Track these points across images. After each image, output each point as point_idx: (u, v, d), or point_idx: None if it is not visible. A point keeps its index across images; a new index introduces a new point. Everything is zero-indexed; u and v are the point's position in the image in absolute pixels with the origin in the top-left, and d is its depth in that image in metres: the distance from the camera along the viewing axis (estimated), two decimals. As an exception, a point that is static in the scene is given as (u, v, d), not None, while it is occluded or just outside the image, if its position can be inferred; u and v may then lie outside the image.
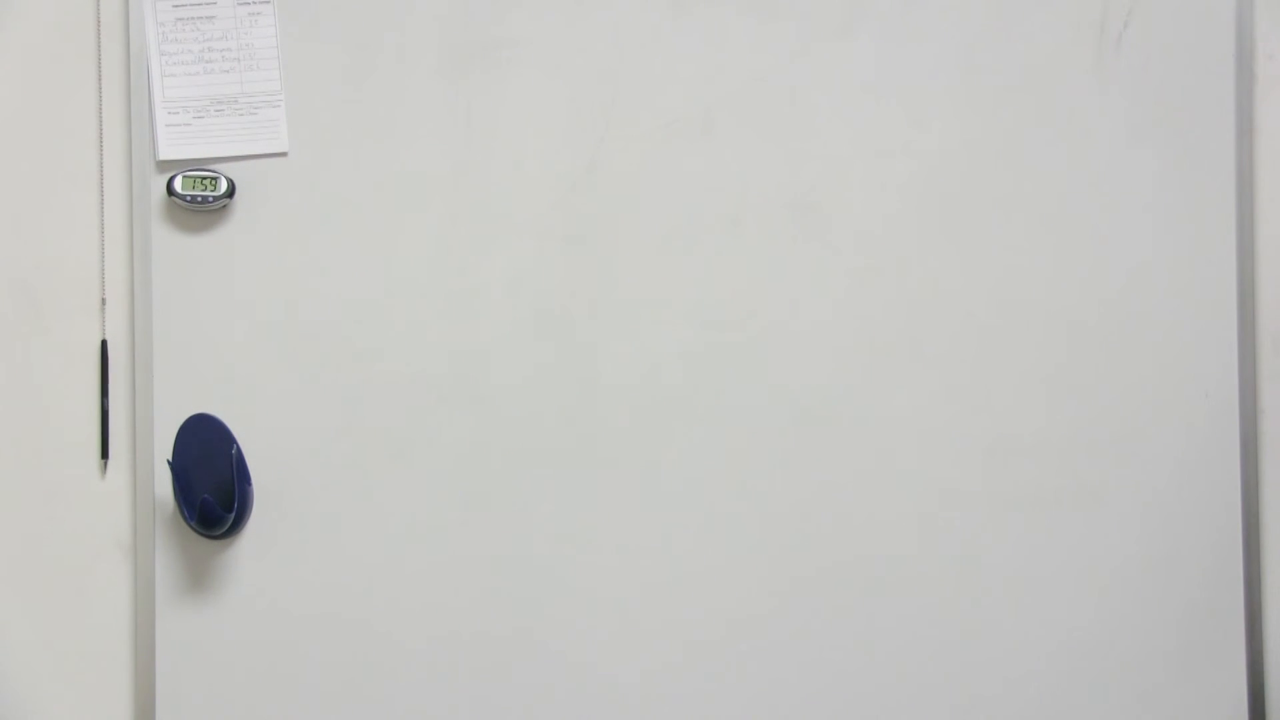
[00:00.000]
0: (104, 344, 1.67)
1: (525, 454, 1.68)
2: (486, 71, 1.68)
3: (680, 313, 1.69)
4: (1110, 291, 1.70)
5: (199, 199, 1.64)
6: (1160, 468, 1.70)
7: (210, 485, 1.62)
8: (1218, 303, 1.70)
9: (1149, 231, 1.71)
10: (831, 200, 1.69)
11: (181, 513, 1.62)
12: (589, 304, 1.68)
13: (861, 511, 1.69)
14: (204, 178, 1.65)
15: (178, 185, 1.64)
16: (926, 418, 1.69)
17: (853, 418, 1.69)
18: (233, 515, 1.61)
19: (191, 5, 1.66)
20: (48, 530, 1.68)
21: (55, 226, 1.68)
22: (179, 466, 1.62)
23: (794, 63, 1.69)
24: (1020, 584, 1.70)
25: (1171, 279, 1.71)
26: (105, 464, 1.68)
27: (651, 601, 1.68)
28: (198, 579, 1.66)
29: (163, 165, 1.66)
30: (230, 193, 1.65)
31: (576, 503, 1.68)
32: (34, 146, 1.68)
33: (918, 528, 1.69)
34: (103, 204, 1.68)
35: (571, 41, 1.68)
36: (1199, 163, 1.70)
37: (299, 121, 1.67)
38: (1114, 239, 1.70)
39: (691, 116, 1.69)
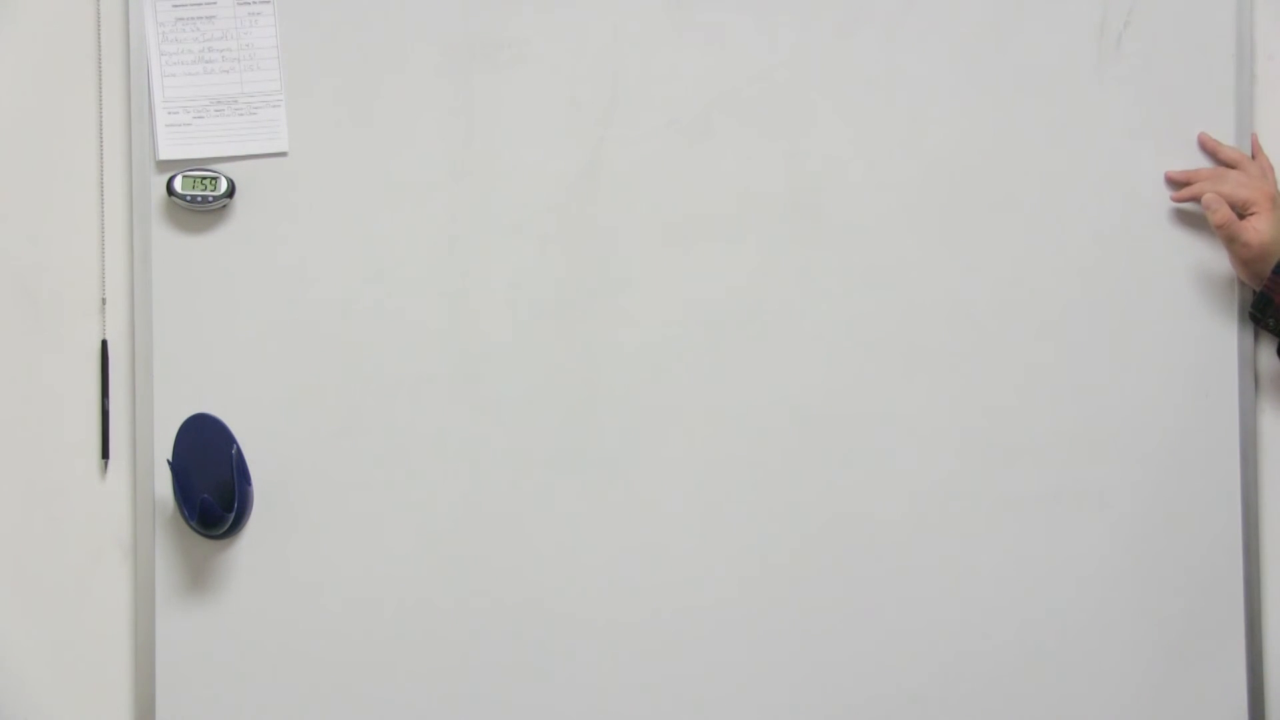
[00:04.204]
0: (104, 344, 1.67)
1: (525, 453, 1.68)
2: (487, 71, 1.68)
3: (680, 312, 1.69)
4: (1110, 291, 1.70)
5: (199, 199, 1.64)
6: (1160, 468, 1.70)
7: (210, 485, 1.62)
8: (1218, 303, 1.70)
9: (1149, 231, 1.70)
10: (832, 200, 1.69)
11: (181, 513, 1.62)
12: (589, 303, 1.68)
13: (860, 510, 1.69)
14: (204, 178, 1.65)
15: (178, 185, 1.64)
16: (926, 417, 1.69)
17: (852, 417, 1.69)
18: (233, 515, 1.61)
19: (191, 5, 1.66)
20: (48, 530, 1.68)
21: (55, 227, 1.68)
22: (179, 466, 1.62)
23: (794, 63, 1.69)
24: (1019, 583, 1.70)
25: (1171, 278, 1.71)
26: (105, 464, 1.68)
27: (650, 599, 1.68)
28: (198, 579, 1.66)
29: (163, 165, 1.66)
30: (230, 193, 1.65)
31: (577, 502, 1.68)
32: (34, 146, 1.68)
33: (917, 527, 1.69)
34: (103, 204, 1.68)
35: (571, 41, 1.68)
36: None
37: (299, 121, 1.67)
38: (1114, 239, 1.70)
39: (691, 116, 1.69)
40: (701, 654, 1.69)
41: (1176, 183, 1.70)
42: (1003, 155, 1.70)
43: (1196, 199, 1.66)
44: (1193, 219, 1.70)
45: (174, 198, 1.65)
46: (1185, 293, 1.70)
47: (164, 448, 1.64)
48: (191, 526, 1.63)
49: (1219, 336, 1.70)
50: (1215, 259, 1.70)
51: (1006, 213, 1.70)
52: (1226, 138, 1.71)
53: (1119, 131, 1.70)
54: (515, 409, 1.68)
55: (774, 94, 1.69)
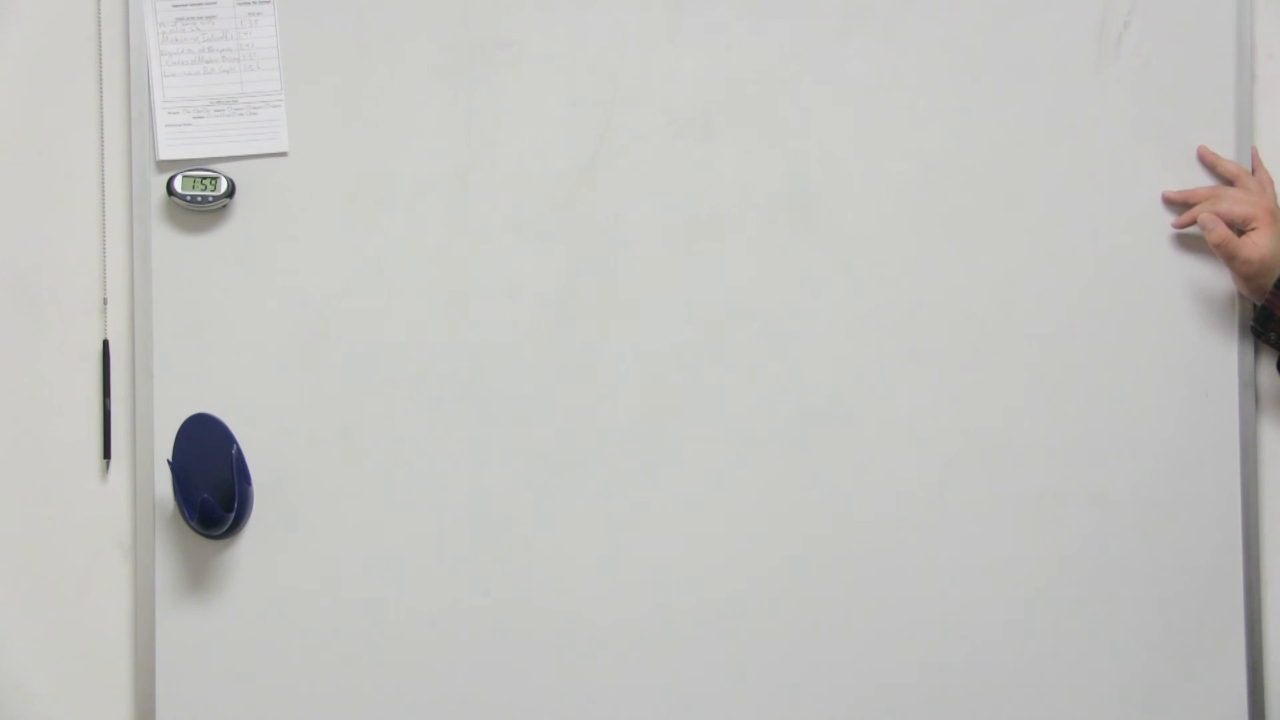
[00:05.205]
0: (105, 344, 1.67)
1: (525, 454, 1.68)
2: (487, 71, 1.68)
3: (680, 312, 1.69)
4: (1110, 291, 1.70)
5: (199, 199, 1.65)
6: (1160, 468, 1.70)
7: (210, 485, 1.62)
8: (1218, 303, 1.70)
9: (1149, 231, 1.70)
10: (831, 200, 1.69)
11: (181, 513, 1.62)
12: (589, 303, 1.68)
13: (861, 511, 1.69)
14: (204, 178, 1.65)
15: (178, 185, 1.65)
16: (926, 417, 1.69)
17: (852, 417, 1.69)
18: (233, 515, 1.61)
19: (191, 5, 1.66)
20: (48, 530, 1.68)
21: (55, 227, 1.68)
22: (179, 466, 1.62)
23: (794, 63, 1.69)
24: (1019, 583, 1.70)
25: (1172, 278, 1.70)
26: (106, 464, 1.68)
27: (652, 600, 1.68)
28: (198, 579, 1.66)
29: (163, 165, 1.66)
30: (230, 193, 1.65)
31: (577, 502, 1.68)
32: (34, 146, 1.68)
33: (917, 527, 1.69)
34: (103, 204, 1.68)
35: (571, 41, 1.68)
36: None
37: (299, 121, 1.67)
38: (1114, 239, 1.70)
39: (691, 116, 1.69)
40: (704, 655, 1.68)
41: (1175, 203, 1.69)
42: (1003, 155, 1.70)
43: (1195, 222, 1.66)
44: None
45: (174, 198, 1.65)
46: (1186, 292, 1.70)
47: (164, 448, 1.64)
48: (191, 526, 1.63)
49: (1219, 337, 1.70)
50: (1215, 258, 1.69)
51: (1006, 213, 1.70)
52: (1226, 139, 1.71)
53: (1119, 131, 1.70)
54: (515, 409, 1.68)
55: (774, 94, 1.69)
